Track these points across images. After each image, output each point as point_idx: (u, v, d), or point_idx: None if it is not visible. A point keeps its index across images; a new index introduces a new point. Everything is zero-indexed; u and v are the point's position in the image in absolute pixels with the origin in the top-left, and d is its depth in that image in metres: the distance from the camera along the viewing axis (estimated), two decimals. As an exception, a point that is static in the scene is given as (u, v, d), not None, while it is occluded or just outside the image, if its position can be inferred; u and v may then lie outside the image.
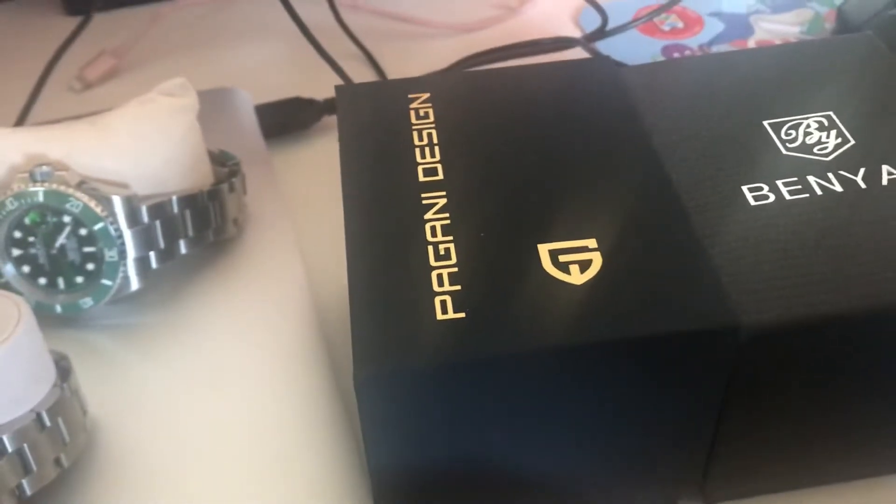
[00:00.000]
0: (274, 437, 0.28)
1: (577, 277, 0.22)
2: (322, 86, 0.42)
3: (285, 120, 0.41)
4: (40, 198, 0.29)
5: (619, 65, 0.43)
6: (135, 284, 0.30)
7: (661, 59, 0.45)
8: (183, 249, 0.31)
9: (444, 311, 0.22)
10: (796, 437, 0.25)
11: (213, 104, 0.40)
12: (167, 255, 0.31)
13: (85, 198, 0.29)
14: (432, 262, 0.23)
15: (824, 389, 0.24)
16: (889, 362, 0.23)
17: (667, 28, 0.48)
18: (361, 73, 0.45)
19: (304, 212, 0.37)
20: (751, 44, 0.46)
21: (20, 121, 0.41)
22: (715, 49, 0.46)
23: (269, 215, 0.35)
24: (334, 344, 0.31)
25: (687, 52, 0.46)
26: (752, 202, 0.25)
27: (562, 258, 0.23)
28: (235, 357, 0.30)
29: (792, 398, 0.24)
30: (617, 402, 0.22)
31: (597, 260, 0.23)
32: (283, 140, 0.41)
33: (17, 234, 0.30)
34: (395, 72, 0.45)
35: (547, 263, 0.23)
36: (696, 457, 0.25)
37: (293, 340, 0.31)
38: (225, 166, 0.34)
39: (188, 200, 0.31)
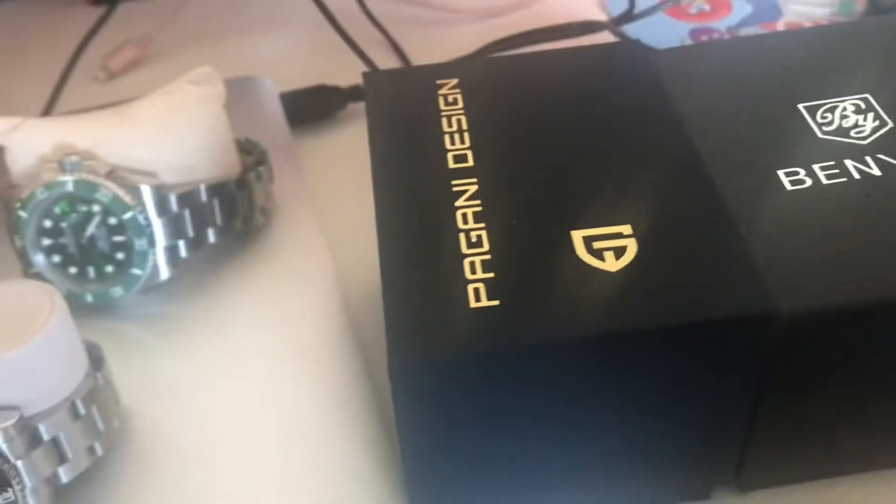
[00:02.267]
0: (304, 427, 0.28)
1: (612, 264, 0.22)
2: (347, 73, 0.41)
3: (310, 108, 0.41)
4: (70, 187, 0.29)
5: (648, 49, 0.42)
6: (164, 273, 0.30)
7: (689, 42, 0.45)
8: (211, 238, 0.31)
9: (478, 299, 0.21)
10: (832, 424, 0.24)
11: (237, 93, 0.40)
12: (196, 243, 0.31)
13: (114, 187, 0.29)
14: (464, 250, 0.23)
15: (861, 377, 0.23)
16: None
17: (694, 11, 0.47)
18: (385, 61, 0.45)
19: (330, 200, 0.37)
20: (780, 26, 0.46)
21: (46, 111, 0.41)
22: (743, 32, 0.46)
23: (295, 204, 0.35)
24: (363, 333, 0.31)
25: (715, 36, 0.45)
26: (789, 186, 0.24)
27: (596, 245, 0.22)
28: (265, 346, 0.30)
29: (828, 386, 0.23)
30: (652, 389, 0.22)
31: (632, 246, 0.22)
32: (308, 128, 0.41)
33: (48, 224, 0.30)
34: (419, 58, 0.45)
35: (581, 250, 0.22)
36: (731, 445, 0.24)
37: (322, 330, 0.31)
38: (251, 155, 0.34)
39: (216, 189, 0.31)
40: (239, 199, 0.32)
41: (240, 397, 0.29)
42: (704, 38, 0.45)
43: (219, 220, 0.31)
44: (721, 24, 0.46)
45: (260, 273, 0.33)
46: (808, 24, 0.45)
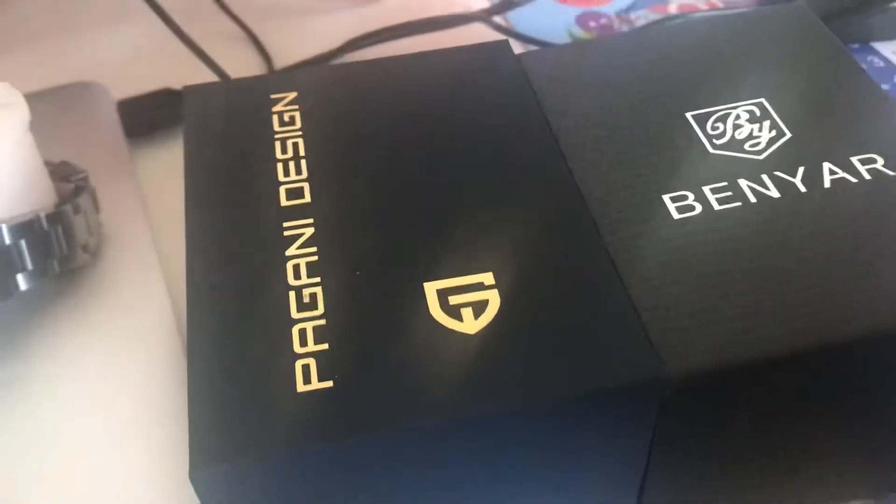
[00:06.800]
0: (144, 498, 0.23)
1: (470, 325, 0.18)
2: (196, 76, 0.36)
3: (153, 116, 0.36)
4: None
5: (527, 40, 0.39)
6: (-41, 334, 0.25)
7: (577, 28, 0.41)
8: (21, 286, 0.26)
9: (307, 381, 0.17)
10: (727, 477, 0.22)
11: (66, 102, 0.35)
12: (1, 293, 0.26)
13: None
14: (294, 314, 0.19)
15: (759, 430, 0.20)
16: (831, 399, 0.20)
17: (580, -6, 0.44)
18: (243, 57, 0.40)
19: (172, 221, 0.32)
20: (672, 9, 0.43)
21: None
22: (633, 15, 0.42)
23: (129, 232, 0.31)
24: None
25: (603, 21, 0.42)
26: (676, 215, 0.21)
27: (453, 300, 0.19)
28: (94, 409, 0.25)
29: (723, 440, 0.20)
30: (524, 470, 0.19)
31: (494, 300, 0.19)
32: (151, 139, 0.36)
33: None
34: (281, 53, 0.40)
35: (435, 308, 0.19)
36: (622, 514, 0.21)
37: (161, 380, 0.26)
38: (70, 182, 0.29)
39: (22, 228, 0.26)
40: (53, 237, 0.27)
41: (60, 482, 0.24)
42: (592, 23, 0.42)
43: (28, 264, 0.26)
44: (610, 9, 0.43)
45: (86, 320, 0.28)
46: (702, 7, 0.43)
